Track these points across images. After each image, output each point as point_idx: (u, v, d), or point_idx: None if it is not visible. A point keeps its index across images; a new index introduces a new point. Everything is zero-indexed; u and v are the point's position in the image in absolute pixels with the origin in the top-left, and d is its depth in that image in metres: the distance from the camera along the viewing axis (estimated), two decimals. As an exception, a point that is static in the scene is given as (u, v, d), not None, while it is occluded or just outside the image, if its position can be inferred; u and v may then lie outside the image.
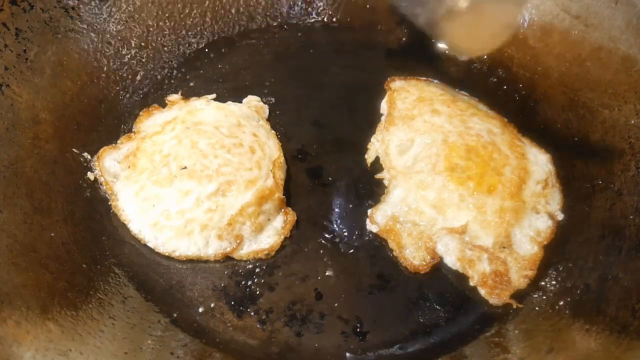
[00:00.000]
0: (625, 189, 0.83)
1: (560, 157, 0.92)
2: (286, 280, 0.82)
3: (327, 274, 0.83)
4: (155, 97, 1.01)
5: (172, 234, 0.81)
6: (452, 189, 0.83)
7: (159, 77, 1.04)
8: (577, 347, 0.71)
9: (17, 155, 0.81)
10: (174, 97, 0.98)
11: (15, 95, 0.84)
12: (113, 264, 0.82)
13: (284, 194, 0.87)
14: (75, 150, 0.89)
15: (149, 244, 0.82)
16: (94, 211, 0.86)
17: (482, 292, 0.80)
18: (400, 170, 0.89)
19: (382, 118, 0.98)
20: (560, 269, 0.82)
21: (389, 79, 1.02)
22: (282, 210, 0.86)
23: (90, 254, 0.81)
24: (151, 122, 0.94)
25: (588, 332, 0.72)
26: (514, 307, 0.79)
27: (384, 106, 0.99)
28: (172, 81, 1.04)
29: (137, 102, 1.00)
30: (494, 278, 0.80)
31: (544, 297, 0.80)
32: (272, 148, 0.89)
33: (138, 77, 1.02)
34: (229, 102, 0.96)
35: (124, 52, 1.01)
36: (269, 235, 0.84)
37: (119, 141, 0.91)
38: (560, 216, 0.86)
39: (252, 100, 0.99)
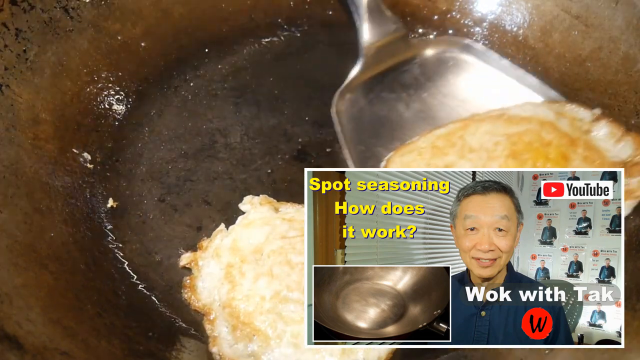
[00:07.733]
0: (625, 189, 0.83)
1: (560, 157, 0.92)
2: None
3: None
4: (155, 96, 1.01)
5: None
6: None
7: (157, 77, 1.04)
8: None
9: (17, 155, 0.81)
10: None
11: (15, 95, 0.84)
12: (113, 264, 0.82)
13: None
14: (75, 150, 0.90)
15: None
16: (94, 211, 0.86)
17: None
18: None
19: None
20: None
21: None
22: None
23: (90, 254, 0.81)
24: None
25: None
26: None
27: None
28: (172, 81, 1.04)
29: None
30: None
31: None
32: None
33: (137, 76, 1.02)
34: None
35: (123, 52, 1.01)
36: None
37: None
38: None
39: None
